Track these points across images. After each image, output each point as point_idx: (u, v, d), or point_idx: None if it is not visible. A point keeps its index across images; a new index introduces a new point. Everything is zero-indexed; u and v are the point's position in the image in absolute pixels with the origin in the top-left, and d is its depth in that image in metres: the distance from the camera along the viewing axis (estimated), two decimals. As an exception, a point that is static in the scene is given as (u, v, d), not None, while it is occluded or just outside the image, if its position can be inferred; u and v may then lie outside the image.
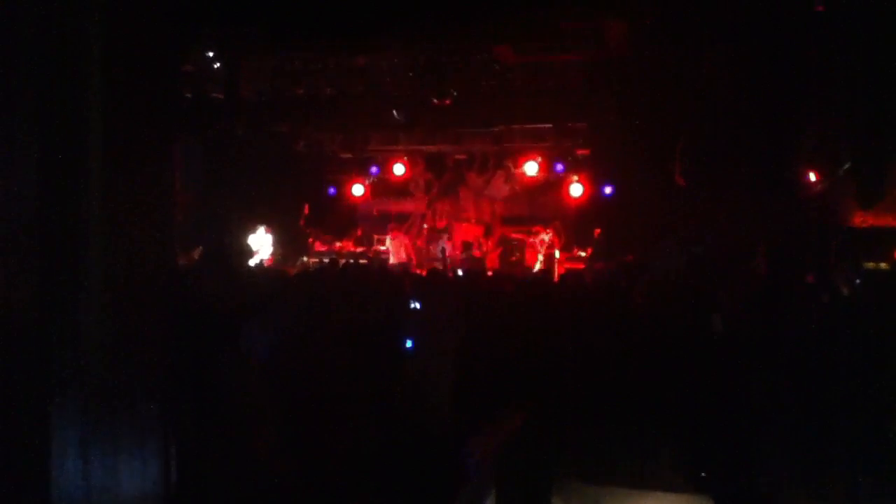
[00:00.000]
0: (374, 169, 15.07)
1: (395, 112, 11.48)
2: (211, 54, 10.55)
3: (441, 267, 12.65)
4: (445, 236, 14.22)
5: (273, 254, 13.42)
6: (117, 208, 2.32)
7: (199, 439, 3.13)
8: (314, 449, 3.42)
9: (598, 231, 12.76)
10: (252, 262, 12.55)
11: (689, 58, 8.56)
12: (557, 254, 13.35)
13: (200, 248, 9.80)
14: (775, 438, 3.46)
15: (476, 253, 13.84)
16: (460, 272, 11.79)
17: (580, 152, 13.59)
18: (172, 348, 2.52)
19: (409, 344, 4.52)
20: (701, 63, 8.44)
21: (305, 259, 13.84)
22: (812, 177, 8.71)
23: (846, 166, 8.29)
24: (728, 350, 4.18)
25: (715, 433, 3.67)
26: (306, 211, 14.66)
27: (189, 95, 10.84)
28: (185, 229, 10.41)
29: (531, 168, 13.95)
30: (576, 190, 13.64)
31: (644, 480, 3.64)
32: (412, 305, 5.41)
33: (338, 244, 14.61)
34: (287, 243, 13.88)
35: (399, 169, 14.65)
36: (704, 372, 3.93)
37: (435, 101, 11.57)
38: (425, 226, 14.67)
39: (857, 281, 6.44)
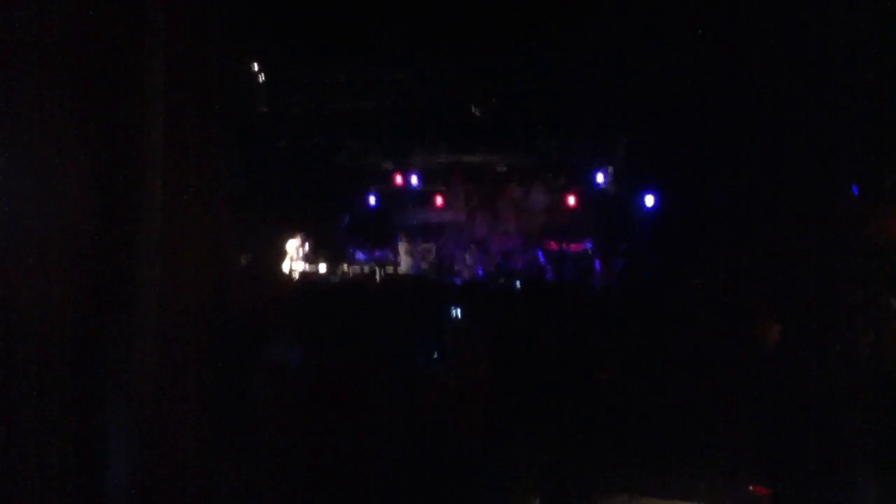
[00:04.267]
0: (413, 179, 15.15)
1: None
2: (256, 67, 10.75)
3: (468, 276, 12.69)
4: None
5: (312, 263, 13.57)
6: (172, 224, 2.38)
7: (236, 442, 3.18)
8: (345, 458, 3.44)
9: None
10: (290, 271, 12.73)
11: (728, 73, 8.46)
12: (598, 265, 13.26)
13: (244, 258, 9.96)
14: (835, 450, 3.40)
15: (513, 264, 13.82)
16: (501, 281, 11.80)
17: (622, 163, 13.51)
18: (216, 357, 2.57)
19: (435, 355, 4.54)
20: (740, 77, 8.33)
21: (346, 268, 13.97)
22: (860, 191, 8.52)
23: (891, 181, 8.10)
24: (787, 361, 4.11)
25: (770, 445, 3.61)
26: (347, 220, 14.79)
27: (234, 108, 11.03)
28: (229, 240, 10.55)
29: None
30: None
31: (687, 494, 3.60)
32: (452, 313, 5.42)
33: (378, 253, 14.70)
34: (327, 253, 14.03)
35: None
36: (759, 383, 3.88)
37: (476, 112, 11.60)
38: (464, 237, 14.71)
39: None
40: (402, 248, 14.49)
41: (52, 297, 2.13)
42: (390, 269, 13.49)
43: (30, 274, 2.05)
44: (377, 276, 12.51)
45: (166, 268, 2.36)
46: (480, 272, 13.61)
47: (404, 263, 14.11)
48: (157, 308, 2.34)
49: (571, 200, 14.28)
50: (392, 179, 15.04)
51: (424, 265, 14.24)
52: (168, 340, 2.41)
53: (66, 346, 2.12)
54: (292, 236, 13.40)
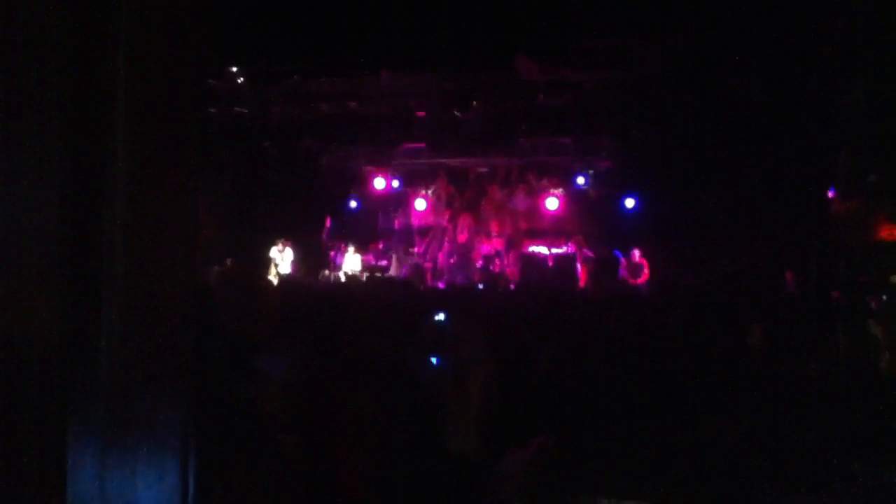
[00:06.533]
0: (395, 183, 15.16)
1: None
2: (236, 70, 10.70)
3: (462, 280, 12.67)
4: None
5: (294, 267, 13.49)
6: (140, 226, 2.34)
7: (216, 456, 3.13)
8: (333, 469, 3.41)
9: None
10: (274, 276, 12.65)
11: (716, 78, 8.54)
12: (578, 267, 13.29)
13: (229, 261, 9.89)
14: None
15: (496, 267, 13.80)
16: (481, 286, 11.78)
17: (603, 165, 13.57)
18: (193, 364, 2.52)
19: (434, 360, 4.49)
20: (727, 82, 8.41)
21: (327, 273, 13.90)
22: (838, 192, 8.64)
23: (873, 179, 8.20)
24: (770, 363, 4.14)
25: (757, 453, 3.62)
26: (328, 224, 14.74)
27: (216, 112, 10.98)
28: (213, 245, 10.50)
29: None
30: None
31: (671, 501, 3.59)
32: (436, 318, 5.39)
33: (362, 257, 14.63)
34: (309, 257, 13.96)
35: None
36: (745, 387, 3.89)
37: (458, 115, 11.61)
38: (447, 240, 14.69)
39: (885, 297, 6.35)
40: (386, 252, 14.47)
41: (15, 304, 2.08)
42: (374, 274, 13.44)
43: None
44: (362, 280, 12.45)
45: (136, 273, 2.30)
46: (463, 276, 13.59)
47: (392, 268, 14.08)
48: (127, 315, 2.28)
49: (554, 203, 14.33)
50: (375, 183, 15.03)
51: (408, 269, 14.21)
52: (140, 348, 2.35)
53: (32, 353, 2.06)
54: (275, 241, 13.33)
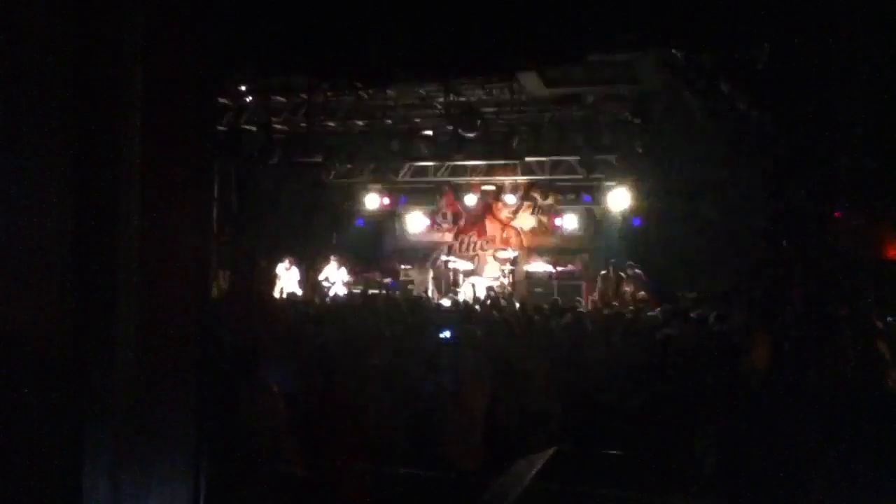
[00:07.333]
0: (401, 200, 15.27)
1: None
2: (244, 89, 10.79)
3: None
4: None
5: (302, 284, 13.52)
6: (154, 238, 2.37)
7: (227, 466, 3.15)
8: (339, 478, 3.42)
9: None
10: (280, 292, 12.68)
11: (720, 93, 8.56)
12: (583, 286, 13.29)
13: (228, 273, 9.95)
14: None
15: (500, 285, 13.77)
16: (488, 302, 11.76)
17: (609, 183, 13.59)
18: (203, 377, 2.55)
19: (437, 371, 4.50)
20: (731, 97, 8.44)
21: (329, 290, 13.89)
22: (847, 210, 8.63)
23: (882, 198, 8.20)
24: (777, 373, 4.13)
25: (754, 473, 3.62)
26: (335, 241, 14.78)
27: (223, 128, 11.06)
28: (217, 258, 10.55)
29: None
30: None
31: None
32: (442, 335, 5.41)
33: (365, 274, 14.66)
34: (315, 274, 13.98)
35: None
36: (745, 410, 3.89)
37: (462, 133, 11.64)
38: (453, 257, 14.68)
39: (889, 318, 6.34)
40: (392, 269, 14.50)
41: (28, 309, 2.12)
42: (378, 291, 13.44)
43: (4, 285, 2.04)
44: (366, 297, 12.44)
45: (148, 279, 2.35)
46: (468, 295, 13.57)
47: (395, 283, 14.10)
48: (139, 320, 2.32)
49: (559, 221, 14.35)
50: (381, 200, 15.09)
51: (412, 286, 14.24)
52: (152, 362, 2.39)
53: (46, 371, 2.10)
54: (281, 258, 13.37)
